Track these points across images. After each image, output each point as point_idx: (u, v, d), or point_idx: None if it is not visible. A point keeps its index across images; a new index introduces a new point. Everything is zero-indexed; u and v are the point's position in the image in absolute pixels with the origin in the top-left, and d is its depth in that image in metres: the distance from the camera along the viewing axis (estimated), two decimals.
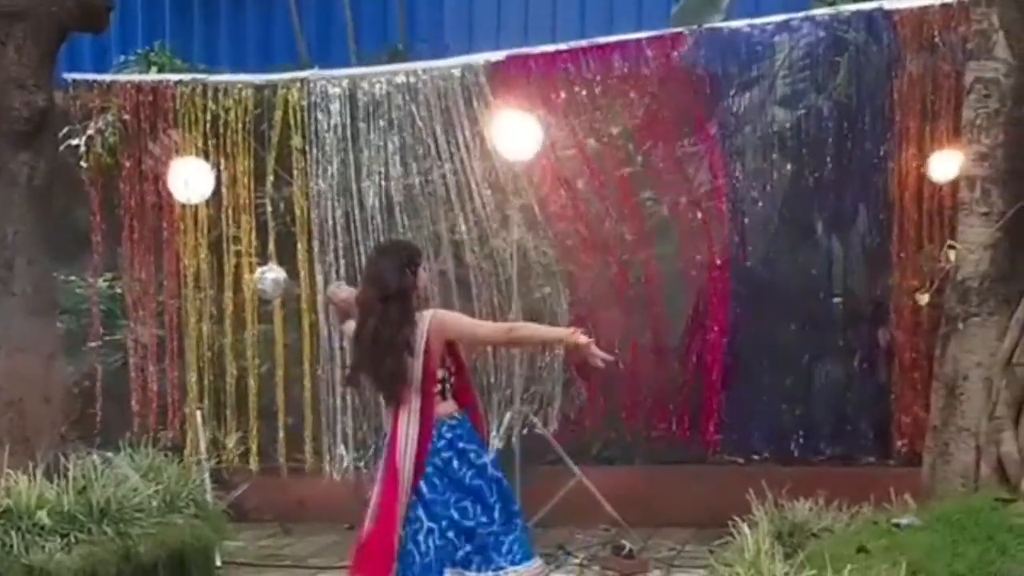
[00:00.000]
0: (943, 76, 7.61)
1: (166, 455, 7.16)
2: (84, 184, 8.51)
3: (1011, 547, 5.06)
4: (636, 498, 7.93)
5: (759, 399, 8.37)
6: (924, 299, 6.27)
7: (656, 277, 8.30)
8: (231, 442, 8.33)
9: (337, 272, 8.09)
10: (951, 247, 5.99)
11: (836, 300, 8.36)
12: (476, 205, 8.15)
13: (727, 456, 8.47)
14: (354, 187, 8.26)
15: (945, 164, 7.32)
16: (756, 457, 8.43)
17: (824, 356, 8.37)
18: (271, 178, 8.38)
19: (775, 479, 6.08)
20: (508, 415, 7.99)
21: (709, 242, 8.15)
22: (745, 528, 5.61)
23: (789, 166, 8.21)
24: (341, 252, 8.23)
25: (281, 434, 8.36)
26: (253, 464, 8.32)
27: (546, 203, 8.25)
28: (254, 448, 8.36)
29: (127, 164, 8.47)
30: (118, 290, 8.72)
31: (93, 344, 8.66)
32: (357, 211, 8.24)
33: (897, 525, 5.53)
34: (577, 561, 7.47)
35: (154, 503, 6.49)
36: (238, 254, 8.35)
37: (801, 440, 8.36)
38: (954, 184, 6.74)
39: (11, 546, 5.89)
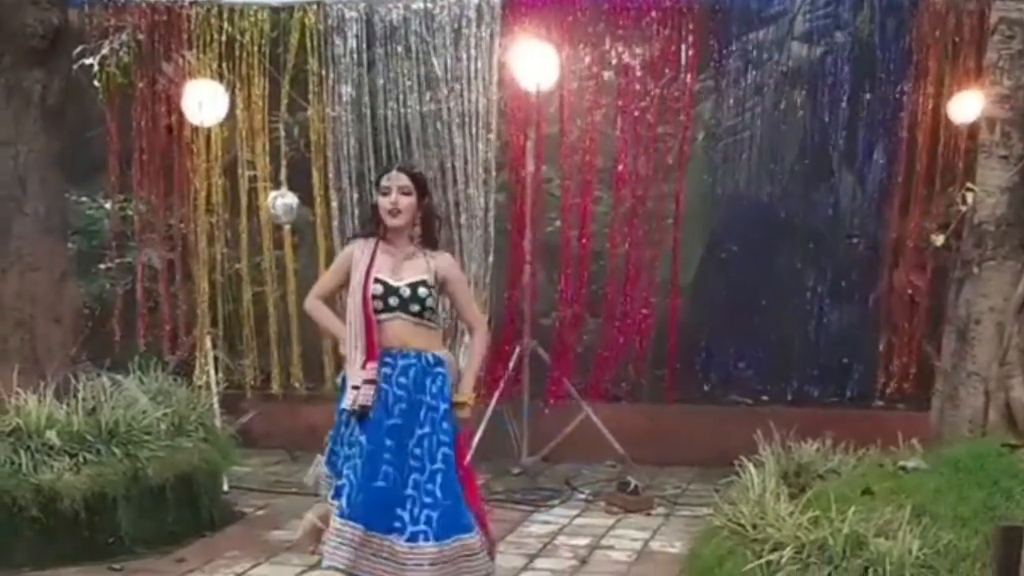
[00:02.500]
0: (967, 15, 7.50)
1: (175, 379, 7.17)
2: (97, 105, 8.45)
3: (1016, 493, 5.07)
4: (643, 436, 7.94)
5: (770, 339, 8.37)
6: (939, 240, 6.23)
7: (670, 213, 8.25)
8: (241, 367, 8.34)
9: (351, 199, 8.06)
10: (969, 190, 5.94)
11: (851, 240, 8.33)
12: (491, 135, 8.09)
13: (735, 396, 8.48)
14: (369, 113, 8.21)
15: (966, 105, 7.23)
16: (765, 398, 8.44)
17: (838, 297, 8.35)
18: (285, 102, 8.32)
19: (783, 420, 6.08)
20: (517, 348, 7.98)
21: (724, 179, 8.09)
22: (751, 468, 5.62)
23: (807, 103, 8.14)
24: (355, 178, 8.20)
25: (292, 359, 8.38)
26: (275, 387, 8.29)
27: (561, 135, 8.19)
28: (275, 373, 8.35)
29: (140, 85, 8.41)
30: (130, 212, 8.69)
31: (104, 266, 8.64)
32: (371, 137, 8.19)
33: (903, 468, 5.54)
34: (583, 496, 7.50)
35: (163, 426, 6.51)
36: (252, 179, 8.32)
37: (810, 381, 8.36)
38: (974, 126, 6.67)
39: (20, 465, 5.94)
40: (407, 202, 5.07)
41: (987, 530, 4.60)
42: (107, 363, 7.37)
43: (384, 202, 5.08)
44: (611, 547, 6.48)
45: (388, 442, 4.95)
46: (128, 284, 8.66)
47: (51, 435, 6.09)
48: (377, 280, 5.04)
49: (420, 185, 5.15)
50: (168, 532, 6.36)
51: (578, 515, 7.12)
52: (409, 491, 4.94)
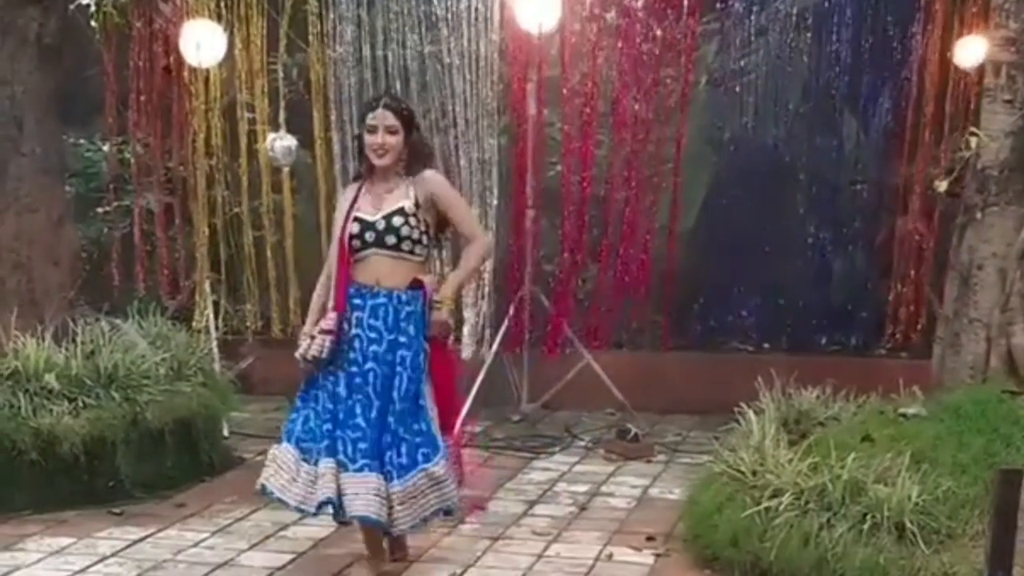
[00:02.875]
0: None
1: (174, 324, 7.15)
2: (94, 45, 8.35)
3: (1016, 439, 5.08)
4: (644, 383, 7.90)
5: (772, 285, 8.33)
6: (942, 186, 6.18)
7: (671, 158, 8.18)
8: (240, 312, 8.31)
9: (352, 139, 7.95)
10: (972, 134, 5.87)
11: (855, 186, 8.27)
12: (493, 77, 8.00)
13: (736, 344, 8.46)
14: (369, 54, 8.10)
15: (971, 49, 7.14)
16: (766, 345, 8.41)
17: (841, 243, 8.30)
18: (284, 43, 8.21)
19: (784, 368, 6.06)
20: (518, 294, 7.95)
21: (726, 123, 8.01)
22: (751, 415, 5.62)
23: (811, 46, 8.05)
24: (354, 121, 8.11)
25: (291, 305, 8.34)
26: (275, 332, 8.27)
27: (563, 77, 8.10)
28: (275, 318, 8.32)
29: (137, 25, 8.29)
30: (127, 155, 8.61)
31: (102, 210, 8.59)
32: (371, 79, 8.10)
33: (903, 415, 5.54)
34: (582, 444, 7.50)
35: (161, 371, 6.49)
36: (250, 121, 8.24)
37: (812, 329, 8.34)
38: (980, 70, 6.59)
39: (19, 408, 5.93)
40: (394, 141, 4.95)
41: (987, 477, 4.61)
42: (105, 307, 7.36)
43: (370, 141, 4.96)
44: (610, 494, 6.48)
45: (369, 389, 4.90)
46: (126, 228, 8.61)
47: (50, 378, 6.08)
48: (355, 219, 4.95)
49: (407, 122, 5.00)
50: (167, 477, 6.37)
51: (578, 462, 7.12)
52: (388, 435, 4.91)
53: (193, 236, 8.27)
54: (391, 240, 4.91)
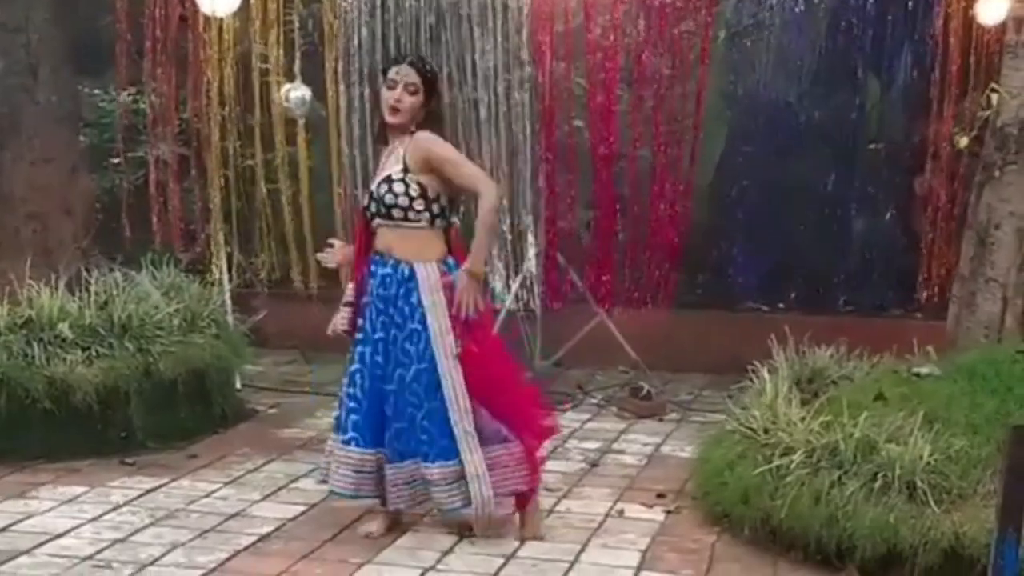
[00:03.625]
0: None
1: (188, 275, 7.15)
2: None
3: None
4: (657, 341, 7.88)
5: (787, 245, 8.28)
6: (963, 142, 6.11)
7: (690, 114, 8.11)
8: (254, 265, 8.30)
9: (361, 95, 7.91)
10: (993, 91, 5.80)
11: (874, 145, 8.20)
12: (510, 30, 7.91)
13: (751, 303, 8.42)
14: (379, 4, 8.01)
15: (993, 5, 7.04)
16: (781, 305, 8.37)
17: (859, 203, 8.24)
18: None
19: (799, 327, 6.03)
20: (532, 251, 7.90)
21: (745, 79, 7.93)
22: (764, 372, 5.60)
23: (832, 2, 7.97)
24: (367, 73, 8.04)
25: (306, 259, 8.31)
26: (289, 285, 8.25)
27: (582, 31, 8.02)
28: (289, 272, 8.32)
29: None
30: (142, 105, 8.58)
31: (116, 160, 8.57)
32: (385, 30, 8.01)
33: (917, 374, 5.51)
34: (595, 401, 7.49)
35: (175, 322, 6.49)
36: (264, 72, 8.18)
37: (828, 288, 8.30)
38: (1002, 26, 6.51)
39: (33, 357, 5.95)
40: (411, 102, 4.80)
41: (999, 437, 4.56)
42: (119, 258, 7.36)
43: (387, 96, 4.82)
44: (622, 451, 6.48)
45: (378, 358, 4.88)
46: (140, 179, 8.59)
47: (63, 328, 6.09)
48: (369, 191, 4.93)
49: (430, 84, 4.85)
50: (180, 428, 6.39)
51: (590, 419, 7.12)
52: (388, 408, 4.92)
53: (207, 188, 8.25)
54: (382, 210, 4.82)
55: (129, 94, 8.55)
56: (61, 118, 6.78)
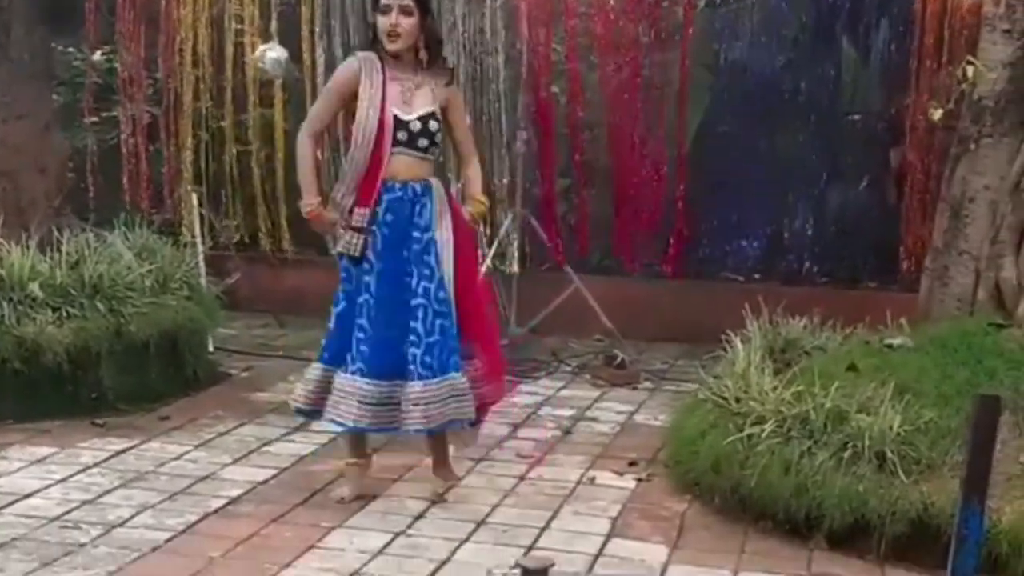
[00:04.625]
0: None
1: (160, 237, 7.09)
2: None
3: (1000, 372, 5.08)
4: (632, 310, 7.88)
5: (766, 215, 8.28)
6: (937, 114, 6.09)
7: (667, 82, 8.08)
8: (227, 228, 8.25)
9: (340, 55, 7.82)
10: (969, 63, 5.79)
11: (851, 116, 8.19)
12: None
13: (727, 273, 8.42)
14: None
15: None
16: (757, 276, 8.38)
17: (835, 175, 8.24)
18: None
19: (775, 298, 6.05)
20: (508, 217, 7.88)
21: (724, 49, 7.91)
22: (737, 342, 5.61)
23: None
24: (351, 33, 7.95)
25: (279, 221, 8.27)
26: (262, 248, 8.19)
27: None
28: (262, 234, 8.25)
29: None
30: (116, 64, 8.49)
31: (89, 120, 8.48)
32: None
33: (889, 346, 5.53)
34: (569, 369, 7.49)
35: (147, 283, 6.44)
36: (239, 32, 8.10)
37: (804, 259, 8.31)
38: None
39: (2, 317, 5.90)
40: (408, 24, 4.78)
41: (969, 408, 4.59)
42: (92, 218, 7.29)
43: (383, 22, 4.80)
44: (595, 419, 6.48)
45: (387, 288, 4.86)
46: (113, 138, 8.51)
47: (34, 287, 6.04)
48: (394, 117, 4.82)
49: (423, 3, 4.83)
50: (151, 390, 6.35)
51: (563, 387, 7.12)
52: (409, 331, 4.88)
53: (180, 149, 8.17)
54: (424, 143, 4.87)
55: (103, 53, 8.46)
56: (34, 75, 6.69)
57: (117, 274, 6.35)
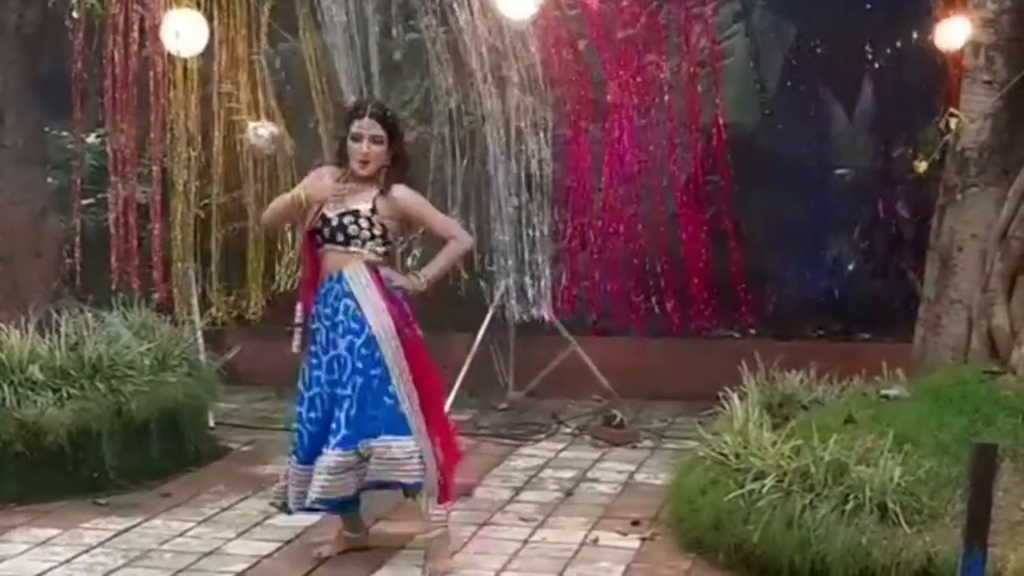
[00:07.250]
0: None
1: (158, 315, 7.13)
2: (75, 35, 8.28)
3: (997, 419, 5.10)
4: (630, 370, 7.90)
5: (756, 272, 8.32)
6: (922, 167, 6.17)
7: (657, 144, 8.16)
8: (225, 303, 8.27)
9: (331, 131, 7.89)
10: (952, 115, 5.87)
11: (837, 170, 8.27)
12: (473, 66, 7.95)
13: (722, 330, 8.45)
14: (353, 44, 8.04)
15: (952, 31, 7.14)
16: (751, 331, 8.41)
17: (824, 228, 8.30)
18: (264, 33, 8.14)
19: (769, 353, 6.08)
20: (504, 283, 7.92)
21: (707, 107, 7.99)
22: (735, 398, 5.63)
23: (793, 30, 8.04)
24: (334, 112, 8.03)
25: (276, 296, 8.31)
26: (259, 323, 8.24)
27: (546, 65, 8.06)
28: (259, 309, 8.30)
29: (116, 13, 8.20)
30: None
31: (85, 202, 8.52)
32: (355, 69, 8.03)
33: (886, 396, 5.56)
34: (569, 430, 7.50)
35: (146, 361, 6.47)
36: (230, 111, 8.18)
37: (796, 314, 8.35)
38: (961, 52, 6.59)
39: (3, 400, 5.92)
40: (378, 151, 5.01)
41: (967, 457, 4.62)
42: (89, 299, 7.33)
43: (354, 149, 5.01)
44: (596, 479, 6.49)
45: (333, 376, 4.99)
46: (107, 220, 8.54)
47: (34, 370, 6.07)
48: (322, 216, 5.02)
49: (392, 130, 5.06)
50: (153, 467, 6.35)
51: (564, 448, 7.13)
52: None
53: (177, 227, 8.21)
54: (340, 237, 5.00)
55: (97, 136, 8.54)
56: (29, 160, 6.78)
57: (116, 354, 6.37)
